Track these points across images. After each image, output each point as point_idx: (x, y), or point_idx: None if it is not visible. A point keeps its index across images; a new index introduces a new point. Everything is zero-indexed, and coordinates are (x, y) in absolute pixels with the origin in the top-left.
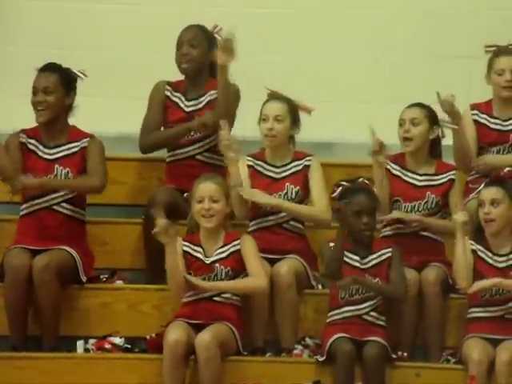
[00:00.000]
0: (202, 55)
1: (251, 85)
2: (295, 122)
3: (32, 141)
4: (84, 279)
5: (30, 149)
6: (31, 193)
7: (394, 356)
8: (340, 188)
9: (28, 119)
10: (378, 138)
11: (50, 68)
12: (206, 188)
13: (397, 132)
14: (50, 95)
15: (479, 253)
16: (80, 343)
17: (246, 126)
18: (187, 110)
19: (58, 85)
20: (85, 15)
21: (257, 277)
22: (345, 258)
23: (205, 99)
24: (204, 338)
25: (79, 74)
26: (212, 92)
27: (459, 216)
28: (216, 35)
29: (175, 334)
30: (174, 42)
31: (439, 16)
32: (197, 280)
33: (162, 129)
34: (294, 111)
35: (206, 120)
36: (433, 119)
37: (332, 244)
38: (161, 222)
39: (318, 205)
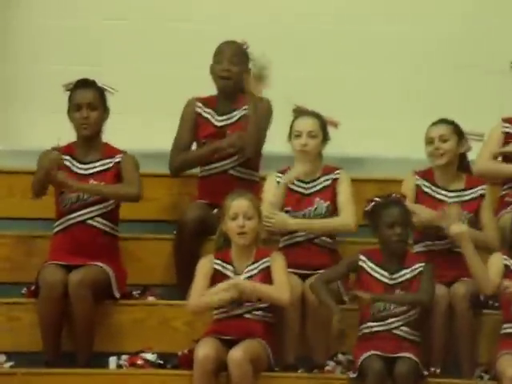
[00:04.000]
0: (241, 74)
1: (280, 100)
2: (326, 137)
3: (66, 157)
4: (118, 295)
5: (65, 165)
6: (67, 200)
7: (425, 372)
8: (373, 203)
9: (55, 136)
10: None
11: (90, 84)
12: (239, 205)
13: (426, 148)
14: (94, 111)
15: None
16: (113, 359)
17: (274, 141)
18: (218, 124)
19: (100, 101)
20: (110, 32)
21: (280, 289)
22: (373, 273)
23: (238, 114)
24: (236, 354)
25: (109, 89)
26: (246, 107)
27: (456, 228)
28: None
29: (205, 349)
30: (205, 57)
31: (472, 31)
32: (221, 292)
33: (194, 146)
34: (324, 126)
35: (234, 141)
36: (460, 133)
37: (362, 257)
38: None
39: (341, 216)
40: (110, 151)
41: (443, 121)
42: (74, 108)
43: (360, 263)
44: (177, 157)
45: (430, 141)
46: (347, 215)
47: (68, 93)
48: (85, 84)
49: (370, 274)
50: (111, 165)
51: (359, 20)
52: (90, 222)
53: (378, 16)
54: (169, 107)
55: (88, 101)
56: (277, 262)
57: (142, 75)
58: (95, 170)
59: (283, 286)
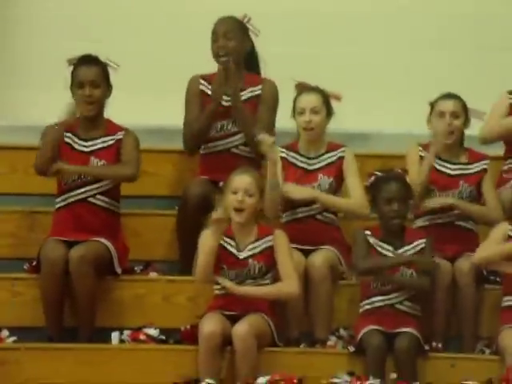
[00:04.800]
0: (238, 47)
1: (283, 76)
2: (330, 112)
3: (68, 134)
4: (119, 271)
5: (66, 142)
6: (66, 179)
7: (426, 347)
8: (373, 177)
9: (55, 111)
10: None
11: (93, 61)
12: (241, 180)
13: (434, 123)
14: (97, 89)
15: None
16: (115, 334)
17: (278, 117)
18: (225, 104)
19: (103, 78)
20: (113, 8)
21: (289, 282)
22: (378, 248)
23: (244, 95)
24: (241, 328)
25: (113, 64)
26: (252, 89)
27: None
28: (248, 25)
29: (210, 325)
30: (206, 34)
31: (477, 9)
32: (230, 284)
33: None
34: (327, 101)
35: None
36: (466, 111)
37: (367, 232)
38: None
39: (355, 198)
40: (112, 128)
41: (454, 96)
42: (76, 85)
43: (368, 238)
44: (188, 131)
45: (440, 115)
46: (362, 202)
47: (70, 68)
48: (88, 61)
49: (376, 250)
50: (112, 142)
51: None
52: (90, 199)
53: None
54: (172, 83)
55: (91, 78)
56: (280, 245)
57: (145, 51)
58: (96, 147)
59: (290, 277)
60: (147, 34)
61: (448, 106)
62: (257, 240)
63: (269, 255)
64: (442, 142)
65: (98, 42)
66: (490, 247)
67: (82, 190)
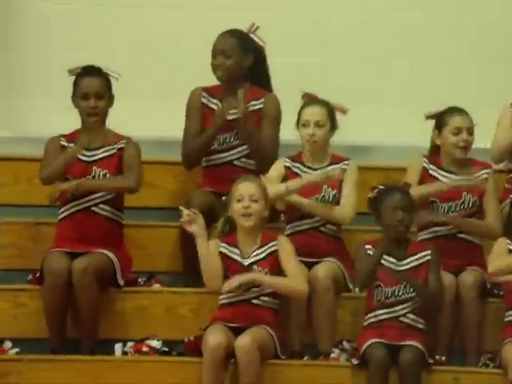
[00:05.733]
0: (236, 64)
1: (288, 87)
2: (334, 125)
3: (71, 145)
4: (122, 282)
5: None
6: (68, 195)
7: (430, 361)
8: (376, 190)
9: (64, 123)
10: None
11: (96, 72)
12: (245, 187)
13: (448, 138)
14: (102, 100)
15: None
16: (118, 346)
17: (282, 128)
18: (228, 118)
19: (107, 89)
20: (115, 19)
21: (296, 280)
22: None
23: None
24: (245, 341)
25: (114, 74)
26: (254, 102)
27: None
28: (252, 35)
29: (216, 337)
30: (209, 44)
31: (480, 18)
32: (237, 280)
33: None
34: (332, 115)
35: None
36: None
37: (368, 247)
38: (185, 212)
39: (342, 206)
40: (114, 138)
41: (465, 112)
42: (80, 96)
43: (368, 252)
44: (188, 148)
45: (457, 131)
46: (344, 209)
47: (72, 78)
48: (91, 71)
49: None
50: (114, 151)
51: (367, 7)
52: (93, 208)
53: (387, 3)
54: (175, 94)
55: (95, 90)
56: (285, 248)
57: (147, 61)
58: (98, 156)
59: (297, 275)
60: (149, 45)
61: (465, 122)
62: (261, 246)
63: (273, 260)
64: (456, 156)
65: (100, 52)
66: (503, 258)
67: (86, 199)
